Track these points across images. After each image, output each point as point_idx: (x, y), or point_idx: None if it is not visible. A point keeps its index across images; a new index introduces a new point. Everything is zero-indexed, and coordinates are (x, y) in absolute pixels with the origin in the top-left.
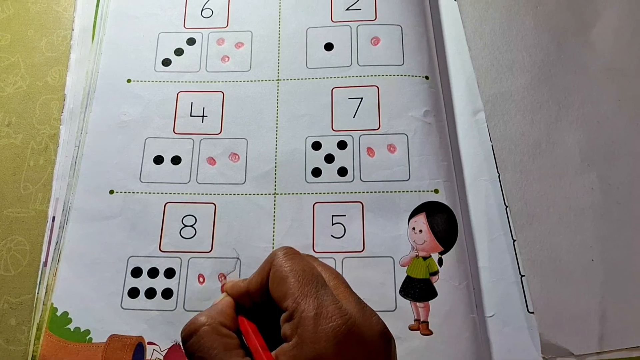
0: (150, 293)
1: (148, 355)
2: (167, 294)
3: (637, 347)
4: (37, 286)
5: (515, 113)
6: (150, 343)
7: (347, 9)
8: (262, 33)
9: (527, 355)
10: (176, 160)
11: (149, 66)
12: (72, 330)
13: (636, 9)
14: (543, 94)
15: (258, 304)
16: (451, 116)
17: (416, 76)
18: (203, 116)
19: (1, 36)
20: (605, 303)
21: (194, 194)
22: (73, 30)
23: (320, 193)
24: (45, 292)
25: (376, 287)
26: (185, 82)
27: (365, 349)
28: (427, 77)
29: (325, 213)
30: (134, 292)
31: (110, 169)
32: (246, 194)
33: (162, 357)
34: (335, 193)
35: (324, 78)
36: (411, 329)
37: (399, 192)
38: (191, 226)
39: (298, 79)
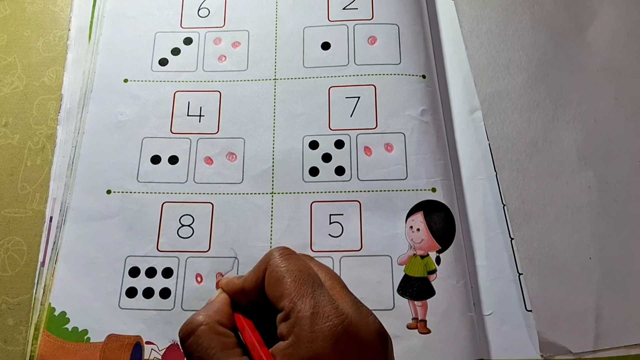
0: (148, 293)
1: (146, 355)
2: (165, 293)
3: (635, 344)
4: (35, 286)
5: (512, 112)
6: (148, 342)
7: (343, 8)
8: (259, 32)
9: (525, 353)
10: (173, 159)
11: (146, 66)
12: (70, 330)
13: (633, 9)
14: (540, 92)
15: (253, 303)
16: (448, 115)
17: (413, 75)
18: (200, 116)
19: None
20: (602, 301)
21: (192, 193)
22: (70, 30)
23: (317, 192)
24: (43, 292)
25: (374, 285)
26: (182, 81)
27: (361, 349)
28: (424, 76)
29: (323, 212)
30: (131, 292)
31: (107, 168)
32: (244, 194)
33: (160, 357)
34: (333, 192)
35: (321, 77)
36: (409, 327)
37: (397, 191)
38: (189, 226)
39: (295, 78)
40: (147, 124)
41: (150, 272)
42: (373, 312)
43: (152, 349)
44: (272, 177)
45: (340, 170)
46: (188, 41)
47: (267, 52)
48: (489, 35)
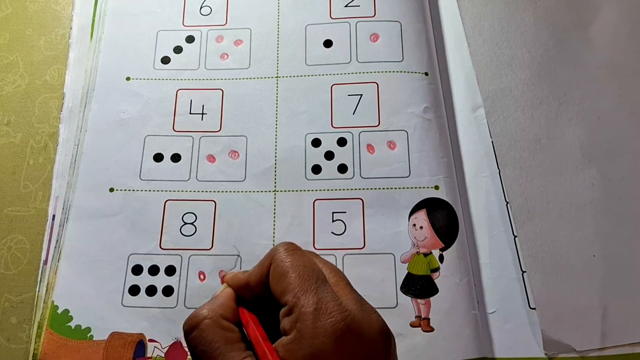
0: (151, 290)
1: (149, 353)
2: (168, 291)
3: (639, 342)
4: (38, 284)
5: (515, 109)
6: (151, 340)
7: (346, 6)
8: (261, 30)
9: (529, 351)
10: (176, 157)
11: (148, 64)
12: (73, 328)
13: (635, 5)
14: (543, 89)
15: (258, 297)
16: (451, 112)
17: (416, 72)
18: (202, 114)
19: (0, 35)
20: (606, 298)
21: (194, 191)
22: (72, 28)
23: (320, 190)
24: (46, 290)
25: (377, 283)
26: (185, 79)
27: (364, 346)
28: (426, 74)
29: (326, 210)
30: (134, 290)
31: (109, 167)
32: (246, 192)
33: (163, 355)
34: (336, 190)
35: (323, 75)
36: (412, 325)
37: (399, 188)
38: (191, 224)
39: (297, 76)
40: (149, 122)
41: (153, 270)
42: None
43: (155, 346)
44: (275, 175)
45: (342, 168)
46: (190, 39)
47: (269, 50)
48: (492, 33)
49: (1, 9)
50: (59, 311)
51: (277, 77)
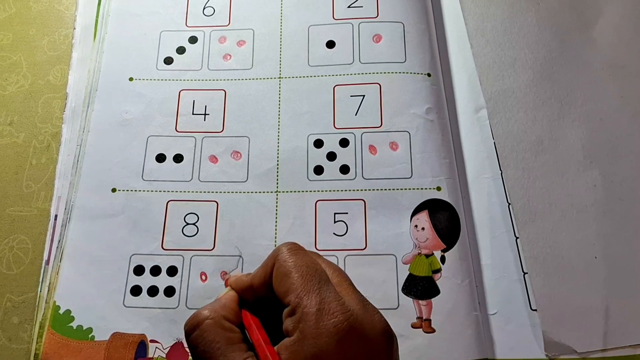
0: (153, 291)
1: (150, 353)
2: (170, 291)
3: None
4: (40, 284)
5: (517, 110)
6: (152, 341)
7: (348, 7)
8: (264, 31)
9: (530, 352)
10: (178, 158)
11: (151, 64)
12: (74, 328)
13: (638, 6)
14: (545, 91)
15: (261, 299)
16: (453, 113)
17: (418, 73)
18: (205, 114)
19: (3, 35)
20: (608, 300)
21: (196, 192)
22: (75, 28)
23: (322, 191)
24: (48, 290)
25: (378, 284)
26: (187, 80)
27: (366, 346)
28: (429, 75)
29: (328, 211)
30: (136, 290)
31: (112, 167)
32: (248, 192)
33: (164, 355)
34: (338, 191)
35: (325, 76)
36: (414, 326)
37: (401, 189)
38: (193, 224)
39: (300, 77)
40: (152, 123)
41: (155, 271)
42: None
43: (156, 347)
44: (277, 176)
45: (345, 169)
46: (193, 40)
47: (272, 50)
48: (494, 34)
49: (5, 9)
50: (61, 311)
51: (279, 77)
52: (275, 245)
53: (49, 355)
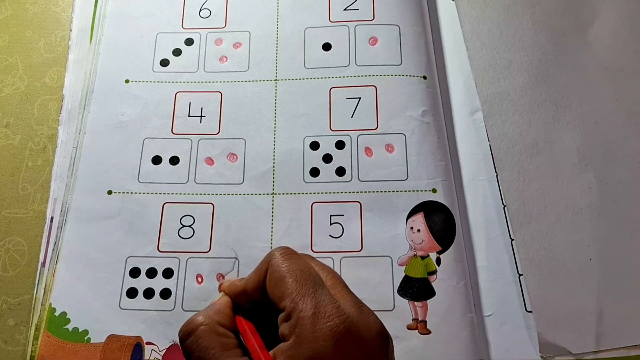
0: (149, 293)
1: (146, 355)
2: (166, 294)
3: (635, 345)
4: (36, 286)
5: (513, 113)
6: (148, 343)
7: (345, 9)
8: (260, 33)
9: (525, 354)
10: (174, 160)
11: (147, 66)
12: (70, 330)
13: (634, 9)
14: (541, 93)
15: (255, 303)
16: (449, 116)
17: (414, 76)
18: (201, 116)
19: None
20: (603, 302)
21: (192, 194)
22: (71, 30)
23: (318, 193)
24: (44, 293)
25: (374, 286)
26: (183, 82)
27: (362, 348)
28: (424, 77)
29: (324, 213)
30: (132, 292)
31: (108, 169)
32: (244, 194)
33: (160, 357)
34: (334, 193)
35: (321, 78)
36: (409, 328)
37: (397, 191)
38: (189, 226)
39: (296, 79)
40: (148, 125)
41: (151, 273)
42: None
43: (152, 349)
44: (273, 178)
45: (341, 171)
46: (189, 42)
47: (268, 52)
48: (490, 36)
49: (1, 11)
50: (57, 313)
51: (275, 80)
52: (271, 248)
53: (45, 357)
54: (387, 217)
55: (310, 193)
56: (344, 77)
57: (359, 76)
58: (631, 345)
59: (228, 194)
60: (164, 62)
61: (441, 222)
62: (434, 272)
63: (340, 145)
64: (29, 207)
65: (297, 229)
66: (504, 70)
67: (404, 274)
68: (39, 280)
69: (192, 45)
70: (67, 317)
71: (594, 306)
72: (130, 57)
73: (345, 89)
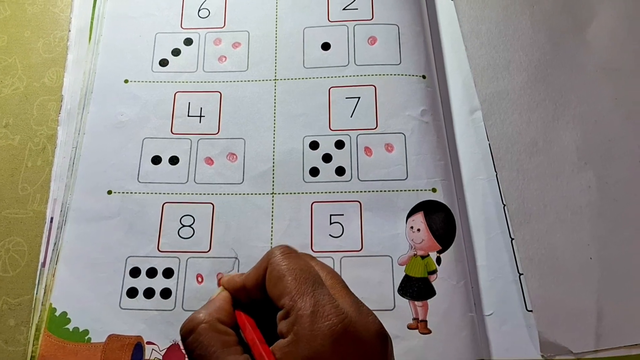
0: (149, 293)
1: (147, 355)
2: (166, 293)
3: (635, 344)
4: (36, 287)
5: (512, 112)
6: (149, 343)
7: (343, 9)
8: (259, 33)
9: (525, 353)
10: (174, 160)
11: (146, 66)
12: (70, 330)
13: (632, 9)
14: (540, 93)
15: (254, 300)
16: (448, 115)
17: (413, 75)
18: (200, 116)
19: None
20: (603, 301)
21: (192, 194)
22: (70, 31)
23: (318, 192)
24: (44, 293)
25: (374, 286)
26: (183, 82)
27: (361, 348)
28: (424, 77)
29: (323, 212)
30: (132, 292)
31: (107, 169)
32: (244, 194)
33: (161, 357)
34: (333, 192)
35: (321, 78)
36: (410, 327)
37: (397, 191)
38: (189, 226)
39: (295, 79)
40: (147, 125)
41: (151, 273)
42: (373, 312)
43: (152, 349)
44: (273, 178)
45: (340, 171)
46: (188, 42)
47: (267, 52)
48: (489, 36)
49: None
50: (57, 313)
51: (275, 79)
52: (271, 247)
53: (46, 357)
54: (387, 217)
55: (310, 193)
56: (343, 76)
57: (358, 76)
58: (631, 344)
59: (228, 194)
60: (163, 62)
61: (441, 221)
62: (434, 272)
63: (339, 144)
64: (28, 207)
65: (297, 228)
66: (502, 70)
67: (404, 273)
68: (39, 281)
69: (191, 45)
70: (67, 317)
71: (594, 305)
72: (129, 57)
73: (344, 89)
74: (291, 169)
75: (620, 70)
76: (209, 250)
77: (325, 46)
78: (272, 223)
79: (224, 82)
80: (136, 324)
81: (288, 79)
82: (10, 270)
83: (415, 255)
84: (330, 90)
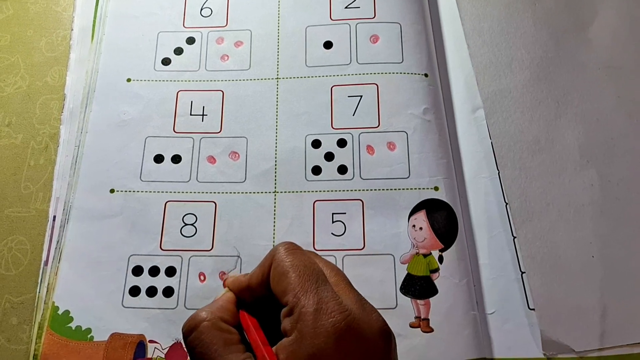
0: (151, 291)
1: (149, 354)
2: (168, 292)
3: (638, 343)
4: (39, 285)
5: (514, 110)
6: (151, 341)
7: (346, 7)
8: (261, 32)
9: (528, 352)
10: (176, 159)
11: (149, 65)
12: (73, 328)
13: (634, 6)
14: (542, 91)
15: (259, 299)
16: (450, 113)
17: (415, 74)
18: (203, 115)
19: (1, 36)
20: (605, 299)
21: (195, 192)
22: (72, 30)
23: (320, 191)
24: (47, 291)
25: (376, 284)
26: (185, 81)
27: (364, 345)
28: (426, 75)
29: (326, 211)
30: (135, 291)
31: (110, 168)
32: (246, 193)
33: (163, 355)
34: (335, 191)
35: (323, 76)
36: (412, 326)
37: (399, 189)
38: (192, 225)
39: (297, 77)
40: (150, 123)
41: (154, 271)
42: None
43: (155, 347)
44: (275, 176)
45: (342, 169)
46: (191, 41)
47: (270, 51)
48: (491, 34)
49: (2, 11)
50: (60, 312)
51: (277, 78)
52: (273, 246)
53: (48, 355)
54: (389, 215)
55: (312, 191)
56: (345, 75)
57: (360, 74)
58: (634, 342)
59: (230, 193)
60: (166, 61)
61: (443, 219)
62: (436, 270)
63: (342, 143)
64: (31, 206)
65: (299, 227)
66: (505, 68)
67: (407, 272)
68: (41, 279)
69: (194, 44)
70: (70, 315)
71: (597, 303)
72: (131, 56)
73: (346, 87)
74: (293, 167)
75: (622, 69)
76: (211, 249)
77: (328, 45)
78: (274, 221)
79: (226, 80)
80: (139, 322)
81: (290, 78)
82: (13, 268)
83: (417, 253)
84: (333, 88)
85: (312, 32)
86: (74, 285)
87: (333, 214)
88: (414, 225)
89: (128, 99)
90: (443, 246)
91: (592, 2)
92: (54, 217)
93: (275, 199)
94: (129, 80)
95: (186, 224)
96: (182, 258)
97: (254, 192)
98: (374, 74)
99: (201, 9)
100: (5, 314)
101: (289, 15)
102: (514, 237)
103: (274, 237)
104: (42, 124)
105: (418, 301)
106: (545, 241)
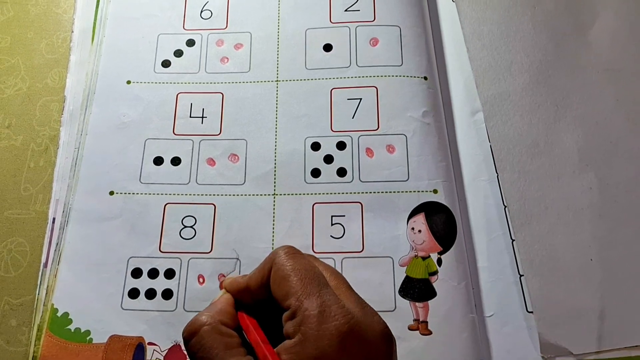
0: (151, 294)
1: (148, 356)
2: (167, 294)
3: (636, 346)
4: (38, 287)
5: (513, 113)
6: (150, 343)
7: (345, 10)
8: (261, 34)
9: (526, 354)
10: (176, 161)
11: (149, 67)
12: (72, 330)
13: (633, 10)
14: (541, 94)
15: (257, 301)
16: (450, 117)
17: (415, 77)
18: (203, 117)
19: (1, 38)
20: (604, 302)
21: (194, 194)
22: (73, 32)
23: (319, 193)
24: (46, 293)
25: (375, 287)
26: (185, 83)
27: (367, 348)
28: (425, 78)
29: (325, 213)
30: (134, 293)
31: (110, 170)
32: (246, 195)
33: (162, 358)
34: (335, 193)
35: (323, 79)
36: (410, 329)
37: (398, 192)
38: (191, 227)
39: (297, 80)
40: (149, 126)
41: (153, 273)
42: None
43: (154, 349)
44: (274, 179)
45: (342, 172)
46: (190, 43)
47: (269, 53)
48: (491, 37)
49: (3, 13)
50: (59, 314)
51: (277, 80)
52: (272, 248)
53: (47, 357)
54: (388, 218)
55: (312, 194)
56: (345, 77)
57: (359, 77)
58: (632, 345)
59: (229, 195)
60: (166, 63)
61: (442, 222)
62: (435, 273)
63: (341, 146)
64: (31, 208)
65: (299, 229)
66: (504, 71)
67: (405, 274)
68: (41, 281)
69: (194, 47)
70: (69, 317)
71: (595, 306)
72: (131, 58)
73: (346, 90)
74: (293, 170)
75: (621, 72)
76: (210, 251)
77: (327, 47)
78: (273, 224)
79: (226, 83)
80: (138, 324)
81: (290, 80)
82: (12, 270)
83: (416, 256)
84: (332, 91)
85: (312, 35)
86: (73, 287)
87: (332, 216)
88: (412, 228)
89: (128, 101)
90: (442, 249)
91: (591, 5)
92: (54, 219)
93: (274, 201)
94: (128, 82)
95: (185, 226)
96: (181, 260)
97: (254, 195)
98: (374, 76)
99: (201, 11)
100: (5, 315)
101: (289, 17)
102: (513, 240)
103: (273, 240)
104: (42, 125)
105: (417, 304)
106: (544, 244)
